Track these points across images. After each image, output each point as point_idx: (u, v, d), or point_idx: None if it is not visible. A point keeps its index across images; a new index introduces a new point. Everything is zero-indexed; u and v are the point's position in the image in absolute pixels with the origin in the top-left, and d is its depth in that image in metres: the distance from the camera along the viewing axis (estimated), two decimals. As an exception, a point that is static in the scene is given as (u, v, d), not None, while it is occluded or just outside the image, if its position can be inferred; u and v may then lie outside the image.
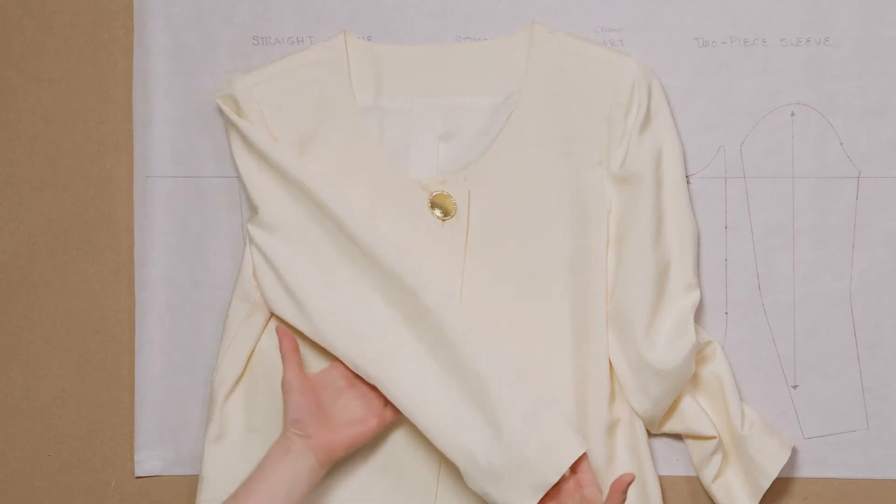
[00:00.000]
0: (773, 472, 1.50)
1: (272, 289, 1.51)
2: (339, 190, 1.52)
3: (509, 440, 1.42)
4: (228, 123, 1.55)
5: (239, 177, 1.55)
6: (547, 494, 1.41)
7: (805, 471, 1.57)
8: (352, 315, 1.49)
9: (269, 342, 1.54)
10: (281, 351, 1.47)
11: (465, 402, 1.45)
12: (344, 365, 1.49)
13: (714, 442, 1.51)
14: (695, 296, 1.52)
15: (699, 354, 1.52)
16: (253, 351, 1.54)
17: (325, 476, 1.46)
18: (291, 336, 1.48)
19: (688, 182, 1.56)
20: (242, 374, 1.53)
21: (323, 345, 1.50)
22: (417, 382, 1.46)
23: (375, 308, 1.49)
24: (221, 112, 1.55)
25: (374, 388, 1.48)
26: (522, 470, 1.41)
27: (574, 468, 1.43)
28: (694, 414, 1.52)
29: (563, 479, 1.43)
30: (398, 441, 1.52)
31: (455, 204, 1.53)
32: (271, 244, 1.52)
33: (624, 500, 1.38)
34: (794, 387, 1.57)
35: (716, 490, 1.52)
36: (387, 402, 1.48)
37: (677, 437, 1.55)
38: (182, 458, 1.60)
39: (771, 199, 1.57)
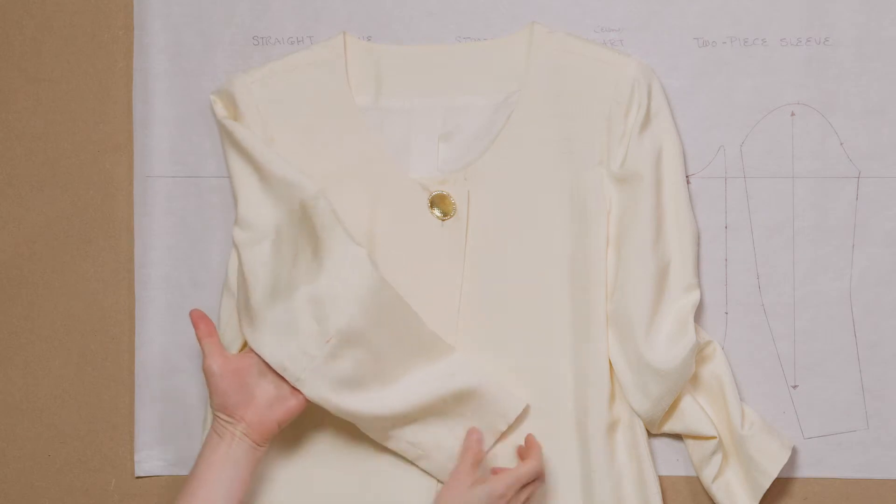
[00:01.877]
0: (773, 472, 1.50)
1: (236, 289, 1.52)
2: (335, 187, 1.52)
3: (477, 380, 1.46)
4: (217, 122, 1.55)
5: (228, 175, 1.55)
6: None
7: (805, 471, 1.57)
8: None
9: None
10: (197, 336, 1.45)
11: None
12: None
13: (714, 442, 1.51)
14: (695, 296, 1.52)
15: (699, 354, 1.52)
16: (244, 343, 1.54)
17: (266, 451, 1.45)
18: (208, 320, 1.46)
19: (688, 182, 1.56)
20: None
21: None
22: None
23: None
24: (212, 109, 1.55)
25: None
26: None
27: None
28: (694, 414, 1.51)
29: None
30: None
31: (455, 204, 1.53)
32: (240, 238, 1.51)
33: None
34: (794, 387, 1.57)
35: (716, 490, 1.52)
36: None
37: (677, 437, 1.55)
38: (182, 458, 1.60)
39: (771, 199, 1.57)
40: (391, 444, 1.48)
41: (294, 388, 1.44)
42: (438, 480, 1.49)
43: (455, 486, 1.40)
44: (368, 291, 1.44)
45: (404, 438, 1.47)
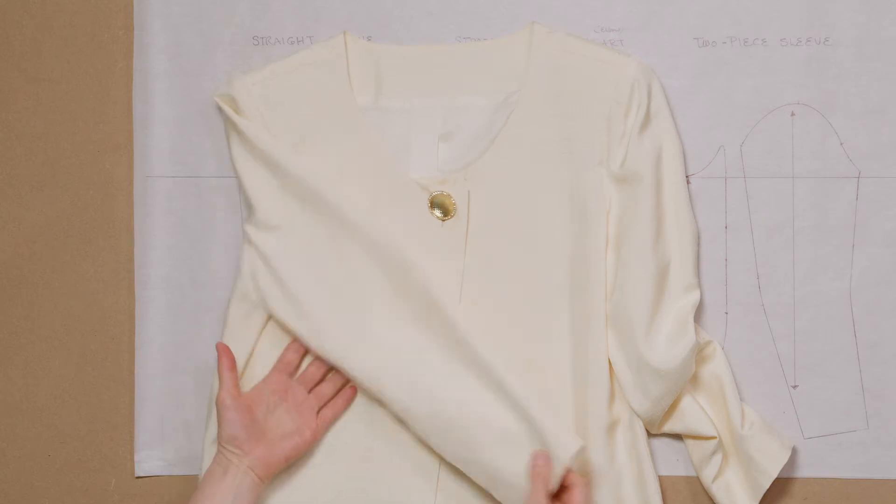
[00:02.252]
0: (773, 472, 1.50)
1: (269, 289, 1.51)
2: (339, 186, 1.52)
3: (531, 415, 1.43)
4: (227, 122, 1.55)
5: (237, 176, 1.55)
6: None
7: (805, 471, 1.57)
8: (351, 315, 1.49)
9: (268, 342, 1.54)
10: (218, 369, 1.47)
11: (483, 393, 1.45)
12: (274, 380, 1.49)
13: (714, 442, 1.51)
14: (695, 296, 1.52)
15: (699, 354, 1.52)
16: (252, 351, 1.54)
17: (266, 487, 1.46)
18: (231, 354, 1.48)
19: (688, 182, 1.56)
20: (242, 374, 1.53)
21: (318, 347, 1.49)
22: (424, 379, 1.46)
23: (374, 308, 1.49)
24: (220, 111, 1.55)
25: (305, 400, 1.49)
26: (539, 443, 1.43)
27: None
28: (694, 414, 1.51)
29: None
30: (397, 443, 1.51)
31: (455, 204, 1.53)
32: (269, 244, 1.52)
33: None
34: (794, 387, 1.57)
35: (716, 490, 1.52)
36: (319, 412, 1.49)
37: (677, 437, 1.55)
38: (182, 458, 1.60)
39: (771, 199, 1.57)
40: (471, 471, 1.47)
41: (303, 423, 1.45)
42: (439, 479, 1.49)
43: None
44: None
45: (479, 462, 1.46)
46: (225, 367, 1.47)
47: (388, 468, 1.51)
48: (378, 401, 1.49)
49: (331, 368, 1.51)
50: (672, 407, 1.52)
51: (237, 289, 1.54)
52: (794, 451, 1.55)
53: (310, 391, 1.50)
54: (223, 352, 1.48)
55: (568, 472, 1.42)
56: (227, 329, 1.54)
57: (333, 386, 1.51)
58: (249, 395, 1.47)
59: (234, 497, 1.41)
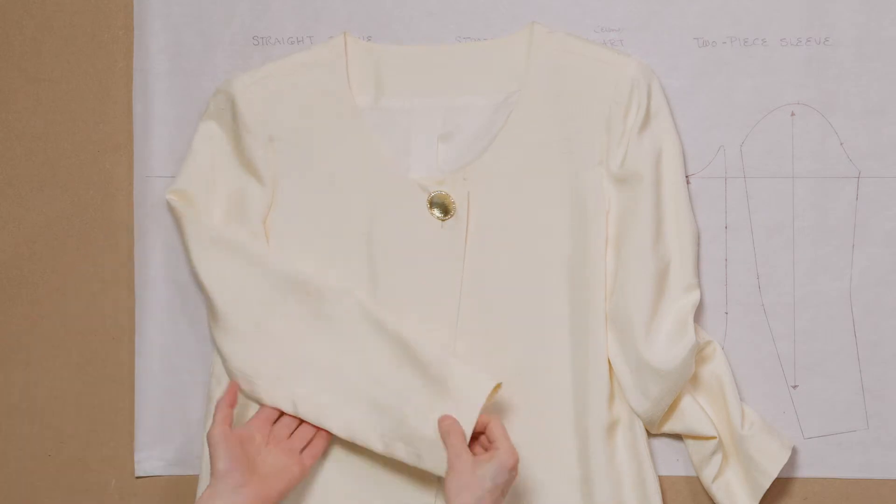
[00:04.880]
0: (773, 472, 1.50)
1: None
2: (327, 189, 1.52)
3: (444, 370, 1.45)
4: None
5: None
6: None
7: (805, 471, 1.57)
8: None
9: None
10: (219, 401, 1.46)
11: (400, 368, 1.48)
12: (258, 425, 1.48)
13: (714, 442, 1.51)
14: (695, 296, 1.52)
15: (699, 354, 1.52)
16: None
17: None
18: (236, 394, 1.47)
19: (688, 182, 1.56)
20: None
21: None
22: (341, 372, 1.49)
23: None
24: (170, 209, 1.56)
25: (288, 441, 1.48)
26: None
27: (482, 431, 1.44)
28: (694, 414, 1.51)
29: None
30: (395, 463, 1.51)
31: (454, 204, 1.53)
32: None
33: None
34: (794, 387, 1.57)
35: (716, 490, 1.52)
36: (303, 450, 1.48)
37: (677, 437, 1.55)
38: (182, 458, 1.60)
39: (771, 199, 1.57)
40: (393, 451, 1.47)
41: (291, 462, 1.45)
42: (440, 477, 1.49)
43: (458, 473, 1.38)
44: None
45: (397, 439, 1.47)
46: (226, 403, 1.45)
47: (389, 468, 1.51)
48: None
49: None
50: (672, 407, 1.52)
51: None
52: (794, 451, 1.55)
53: (290, 435, 1.50)
54: (231, 389, 1.47)
55: (480, 416, 1.43)
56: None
57: (312, 428, 1.51)
58: (240, 431, 1.45)
59: None
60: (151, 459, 1.61)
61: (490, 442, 1.42)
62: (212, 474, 1.41)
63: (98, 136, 1.63)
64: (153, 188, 1.61)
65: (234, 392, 1.47)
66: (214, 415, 1.44)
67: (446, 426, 1.42)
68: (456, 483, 1.37)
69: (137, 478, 1.61)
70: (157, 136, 1.61)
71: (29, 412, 1.63)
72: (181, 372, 1.60)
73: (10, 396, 1.63)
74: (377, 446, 1.46)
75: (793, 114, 1.57)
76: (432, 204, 1.53)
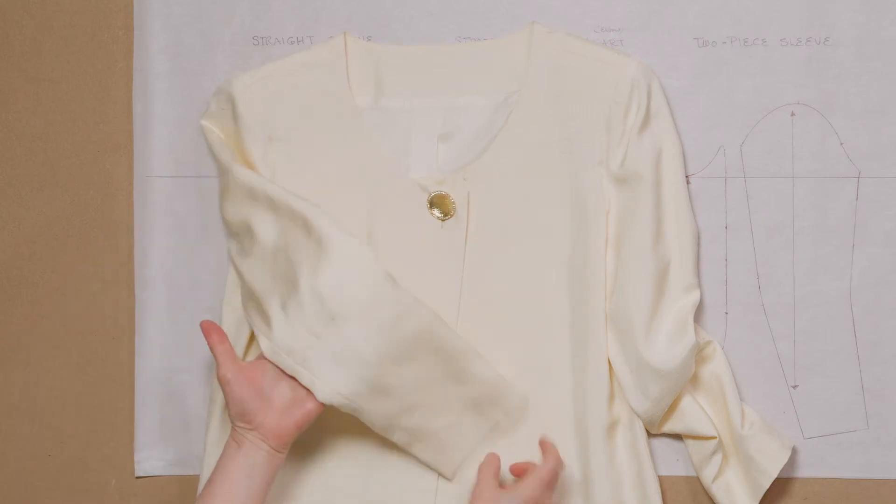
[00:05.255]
0: (773, 472, 1.50)
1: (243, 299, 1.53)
2: (328, 189, 1.52)
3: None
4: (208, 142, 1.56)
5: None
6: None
7: (805, 471, 1.57)
8: None
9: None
10: (210, 346, 1.43)
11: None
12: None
13: (714, 442, 1.51)
14: (695, 296, 1.52)
15: (699, 354, 1.52)
16: (244, 356, 1.54)
17: (285, 457, 1.44)
18: (219, 329, 1.44)
19: (688, 182, 1.56)
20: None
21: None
22: None
23: None
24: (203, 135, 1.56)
25: None
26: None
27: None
28: (694, 414, 1.52)
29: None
30: (396, 446, 1.51)
31: (454, 204, 1.53)
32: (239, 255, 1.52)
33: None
34: (794, 387, 1.57)
35: (716, 490, 1.52)
36: None
37: (677, 437, 1.55)
38: (182, 458, 1.60)
39: (771, 199, 1.57)
40: (395, 436, 1.47)
41: (307, 394, 1.43)
42: (440, 475, 1.49)
43: (482, 500, 1.40)
44: (372, 278, 1.44)
45: (401, 426, 1.46)
46: (216, 343, 1.43)
47: (390, 468, 1.51)
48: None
49: None
50: (672, 407, 1.52)
51: (226, 293, 1.54)
52: (794, 451, 1.55)
53: None
54: (210, 328, 1.44)
55: (541, 439, 1.46)
56: (223, 328, 1.54)
57: None
58: (250, 366, 1.43)
59: (249, 470, 1.40)
60: (151, 459, 1.61)
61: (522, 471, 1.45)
62: (229, 417, 1.41)
63: (98, 136, 1.63)
64: (153, 188, 1.61)
65: (217, 329, 1.44)
66: (215, 356, 1.42)
67: (489, 458, 1.45)
68: None
69: (137, 478, 1.61)
70: (157, 136, 1.61)
71: (29, 412, 1.63)
72: (181, 372, 1.60)
73: (10, 396, 1.63)
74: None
75: (793, 114, 1.57)
76: (432, 204, 1.53)
